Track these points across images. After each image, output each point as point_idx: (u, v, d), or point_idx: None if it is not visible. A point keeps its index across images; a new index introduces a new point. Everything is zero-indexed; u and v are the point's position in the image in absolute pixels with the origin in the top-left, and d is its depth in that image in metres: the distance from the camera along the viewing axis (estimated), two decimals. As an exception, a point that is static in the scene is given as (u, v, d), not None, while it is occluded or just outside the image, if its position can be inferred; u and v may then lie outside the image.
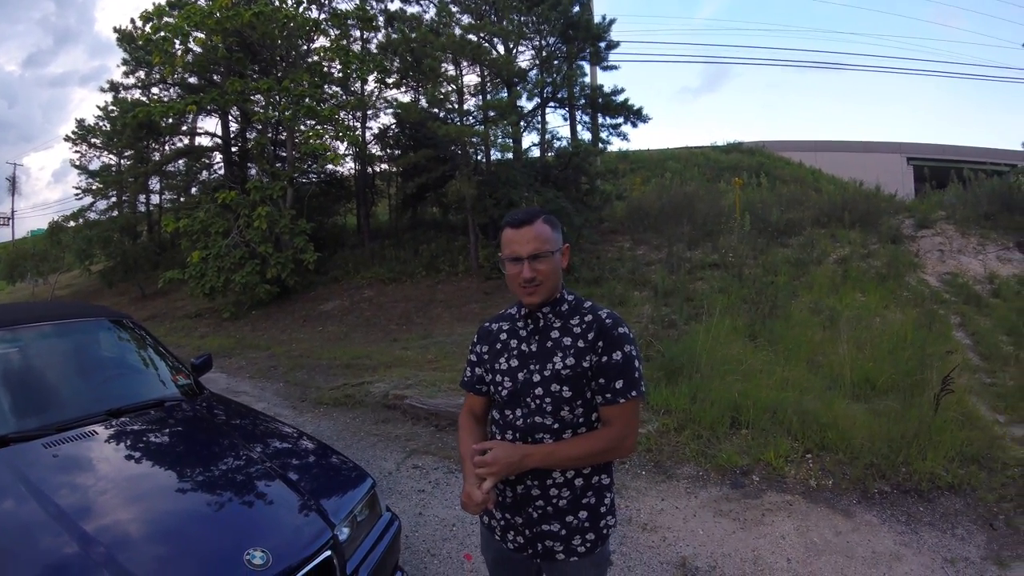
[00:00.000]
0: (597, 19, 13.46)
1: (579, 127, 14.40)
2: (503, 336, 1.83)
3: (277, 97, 13.42)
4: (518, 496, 1.74)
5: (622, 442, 1.67)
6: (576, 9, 13.15)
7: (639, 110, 13.08)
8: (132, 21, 17.56)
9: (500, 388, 1.79)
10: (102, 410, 2.99)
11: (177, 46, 13.47)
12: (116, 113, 18.37)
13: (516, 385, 1.73)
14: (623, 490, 4.10)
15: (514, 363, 1.76)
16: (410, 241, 14.45)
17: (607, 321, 1.68)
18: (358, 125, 15.53)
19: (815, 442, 4.43)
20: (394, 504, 3.90)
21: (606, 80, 20.08)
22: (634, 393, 1.65)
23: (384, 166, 16.64)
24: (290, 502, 2.41)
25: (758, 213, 12.42)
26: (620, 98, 13.01)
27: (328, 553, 2.21)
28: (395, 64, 13.85)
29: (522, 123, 13.00)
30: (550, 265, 1.68)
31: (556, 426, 1.68)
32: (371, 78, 14.57)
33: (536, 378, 1.70)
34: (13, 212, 48.60)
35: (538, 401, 1.69)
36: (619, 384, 1.64)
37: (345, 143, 14.39)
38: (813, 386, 5.36)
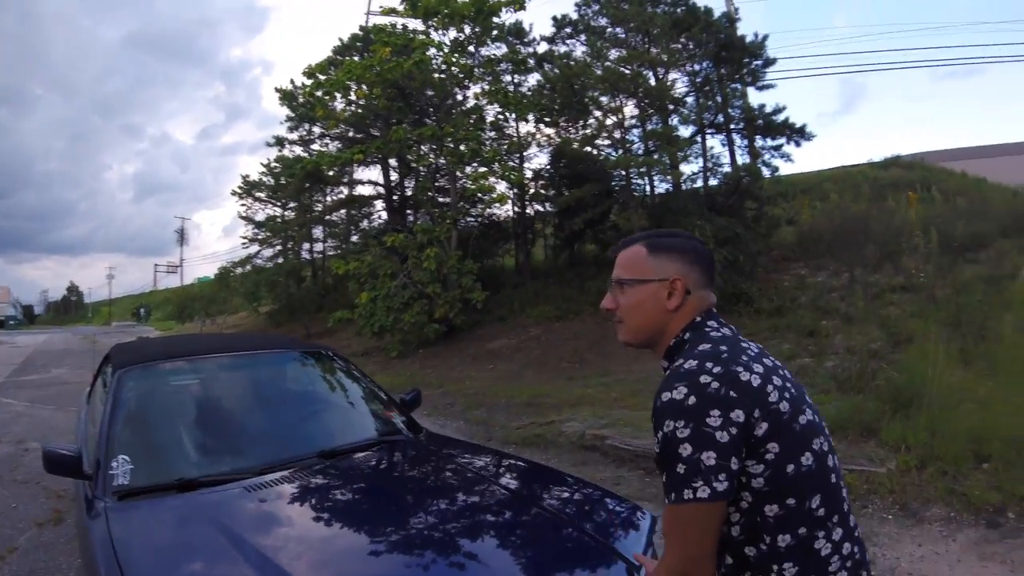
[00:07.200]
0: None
1: (737, 151, 13.73)
2: None
3: (440, 143, 13.89)
4: None
5: (671, 571, 1.14)
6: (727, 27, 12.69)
7: (802, 128, 12.27)
8: (292, 82, 19.33)
9: None
10: (313, 451, 2.63)
11: (338, 99, 14.36)
12: (279, 168, 20.06)
13: None
14: (872, 536, 3.70)
15: None
16: (574, 279, 14.31)
17: (661, 386, 1.16)
18: (517, 164, 15.77)
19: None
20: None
21: (759, 100, 19.31)
22: (670, 498, 1.09)
23: (541, 206, 16.72)
24: (588, 549, 2.07)
25: (939, 228, 11.17)
26: (780, 117, 12.25)
27: None
28: (556, 101, 13.92)
29: (682, 151, 12.56)
30: (630, 299, 1.30)
31: None
32: (531, 116, 14.78)
33: None
34: (182, 260, 55.78)
35: None
36: (664, 479, 1.12)
37: (507, 184, 14.64)
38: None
